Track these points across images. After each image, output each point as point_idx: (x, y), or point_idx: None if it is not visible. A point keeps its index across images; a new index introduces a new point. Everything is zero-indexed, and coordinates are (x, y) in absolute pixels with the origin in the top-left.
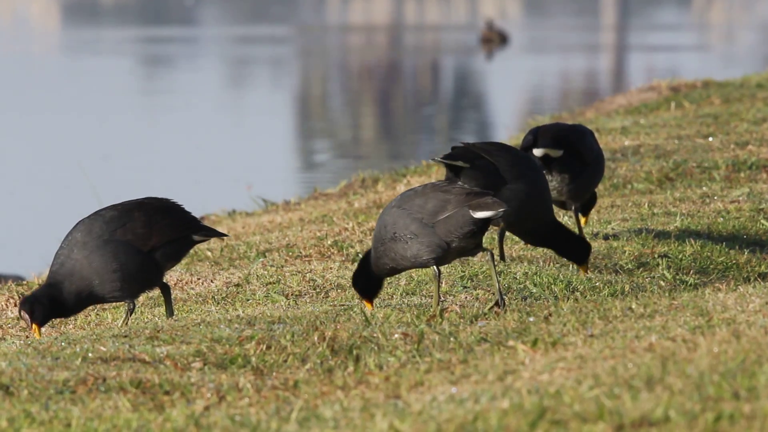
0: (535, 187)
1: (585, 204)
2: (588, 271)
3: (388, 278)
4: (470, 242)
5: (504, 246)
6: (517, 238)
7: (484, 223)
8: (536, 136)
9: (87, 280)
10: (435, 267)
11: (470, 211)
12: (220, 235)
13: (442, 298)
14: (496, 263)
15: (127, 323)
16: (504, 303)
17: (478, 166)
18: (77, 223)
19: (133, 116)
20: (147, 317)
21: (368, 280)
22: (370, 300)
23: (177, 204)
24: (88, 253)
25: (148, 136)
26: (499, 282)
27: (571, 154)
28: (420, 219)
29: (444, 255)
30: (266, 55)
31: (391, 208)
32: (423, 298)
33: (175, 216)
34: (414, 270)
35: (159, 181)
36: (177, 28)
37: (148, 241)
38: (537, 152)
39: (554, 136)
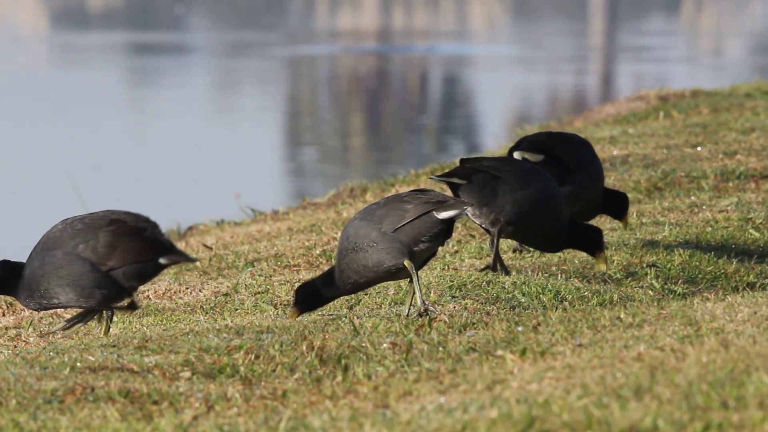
0: (543, 195)
1: (616, 209)
2: (608, 266)
3: (374, 288)
4: (436, 244)
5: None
6: (508, 246)
7: (450, 224)
8: (519, 142)
9: (45, 288)
10: (406, 261)
11: (435, 213)
12: (189, 260)
13: (432, 308)
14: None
15: (107, 330)
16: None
17: (476, 180)
18: (52, 227)
19: (122, 125)
20: (135, 327)
21: (315, 293)
22: (301, 312)
23: (151, 224)
24: (44, 263)
25: (137, 144)
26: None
27: (554, 161)
28: (379, 228)
29: (407, 259)
30: (255, 63)
31: (354, 220)
32: (411, 307)
33: (142, 239)
34: (403, 280)
35: (148, 190)
36: (166, 35)
37: (107, 261)
38: (515, 155)
39: (533, 141)
